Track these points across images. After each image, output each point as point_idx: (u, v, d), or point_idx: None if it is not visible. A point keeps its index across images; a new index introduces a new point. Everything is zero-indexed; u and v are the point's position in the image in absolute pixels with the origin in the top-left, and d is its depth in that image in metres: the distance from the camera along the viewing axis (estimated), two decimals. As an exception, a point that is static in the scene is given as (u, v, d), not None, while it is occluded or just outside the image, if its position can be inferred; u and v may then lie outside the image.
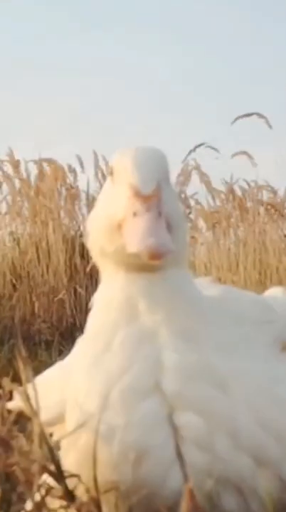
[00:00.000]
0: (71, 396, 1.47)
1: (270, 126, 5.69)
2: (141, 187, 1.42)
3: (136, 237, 1.35)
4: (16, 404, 1.50)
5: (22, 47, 13.27)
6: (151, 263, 1.37)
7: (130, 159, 1.45)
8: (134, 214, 1.39)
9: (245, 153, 6.09)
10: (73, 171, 7.25)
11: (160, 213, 1.40)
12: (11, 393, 1.48)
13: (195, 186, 6.89)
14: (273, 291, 1.79)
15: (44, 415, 1.39)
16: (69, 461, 1.43)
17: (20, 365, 1.34)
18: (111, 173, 1.51)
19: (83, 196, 7.26)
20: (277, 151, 6.53)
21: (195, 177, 6.74)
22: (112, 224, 1.46)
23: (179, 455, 1.37)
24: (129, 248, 1.36)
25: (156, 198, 1.41)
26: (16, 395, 1.55)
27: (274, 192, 6.44)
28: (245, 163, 6.14)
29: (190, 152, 6.07)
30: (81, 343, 1.55)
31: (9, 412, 1.51)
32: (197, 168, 6.63)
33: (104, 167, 6.90)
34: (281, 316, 1.64)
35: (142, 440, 1.38)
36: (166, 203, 1.44)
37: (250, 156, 6.09)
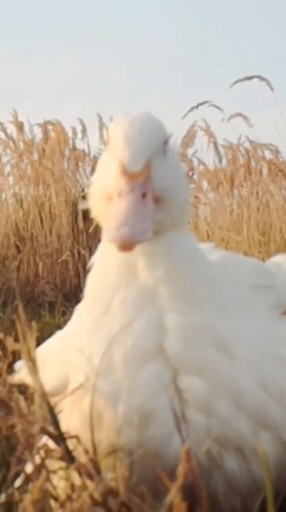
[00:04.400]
0: (73, 359, 1.47)
1: (272, 89, 5.64)
2: (129, 165, 1.38)
3: (113, 224, 1.32)
4: (15, 378, 1.50)
5: (23, 9, 13.17)
6: (121, 252, 1.35)
7: (122, 133, 1.42)
8: (119, 193, 1.37)
9: (240, 115, 6.07)
10: (81, 131, 7.24)
11: (145, 194, 1.37)
12: (13, 354, 1.48)
13: (195, 145, 6.88)
14: (277, 259, 1.78)
15: (45, 386, 1.38)
16: (72, 423, 1.43)
17: (21, 327, 1.33)
18: (108, 142, 1.49)
19: (87, 158, 7.27)
20: (280, 114, 6.47)
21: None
22: (106, 194, 1.44)
23: (178, 418, 1.36)
24: (105, 236, 1.33)
25: (143, 177, 1.38)
26: (16, 368, 1.55)
27: (277, 151, 6.42)
28: (245, 125, 6.15)
29: (192, 109, 6.00)
30: (81, 309, 1.54)
31: (10, 373, 1.51)
32: (207, 130, 6.60)
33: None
34: (282, 283, 1.64)
35: (147, 403, 1.38)
36: (161, 175, 1.41)
37: (245, 118, 6.07)
